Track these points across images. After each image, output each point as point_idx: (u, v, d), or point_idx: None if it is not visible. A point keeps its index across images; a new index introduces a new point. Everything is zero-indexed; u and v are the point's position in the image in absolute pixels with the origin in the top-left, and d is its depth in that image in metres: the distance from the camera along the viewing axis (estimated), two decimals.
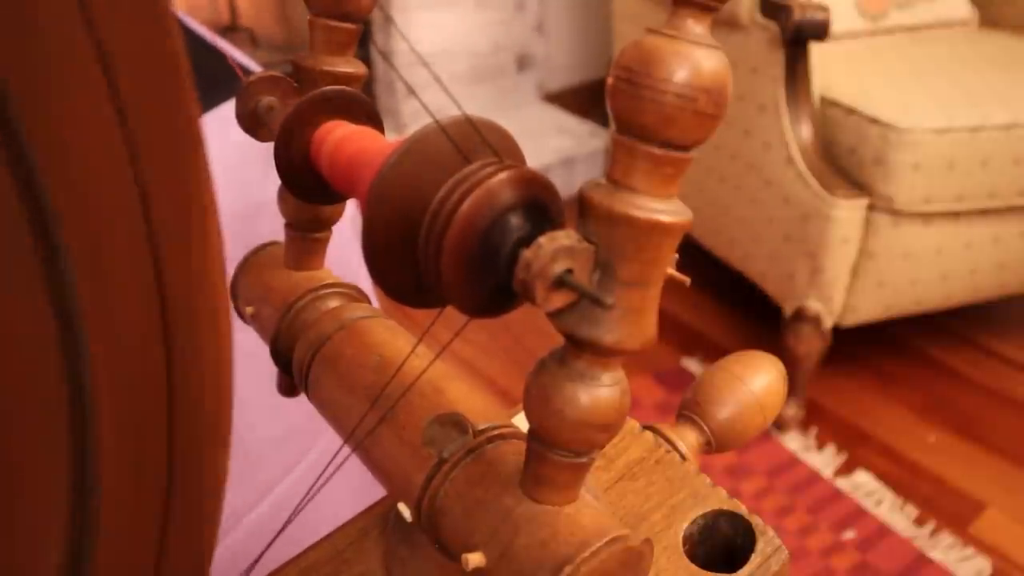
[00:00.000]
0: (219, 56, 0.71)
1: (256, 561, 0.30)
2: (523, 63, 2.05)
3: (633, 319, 0.23)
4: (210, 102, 0.63)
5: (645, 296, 0.23)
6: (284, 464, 0.67)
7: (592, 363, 0.23)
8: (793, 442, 1.30)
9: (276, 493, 0.66)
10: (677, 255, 0.24)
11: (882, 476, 1.25)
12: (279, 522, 0.28)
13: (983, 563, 1.12)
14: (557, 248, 0.21)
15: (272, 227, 0.39)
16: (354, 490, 0.65)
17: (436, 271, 0.23)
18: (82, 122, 0.14)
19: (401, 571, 0.32)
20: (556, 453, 0.24)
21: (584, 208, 0.23)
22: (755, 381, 0.37)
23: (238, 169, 0.60)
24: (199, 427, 0.18)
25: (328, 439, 0.70)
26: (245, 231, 0.40)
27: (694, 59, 0.21)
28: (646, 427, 0.38)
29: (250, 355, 0.36)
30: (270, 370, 0.37)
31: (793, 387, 1.29)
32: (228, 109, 0.34)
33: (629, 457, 0.37)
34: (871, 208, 1.20)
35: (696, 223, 1.38)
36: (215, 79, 0.62)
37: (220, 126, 0.36)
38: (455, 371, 0.32)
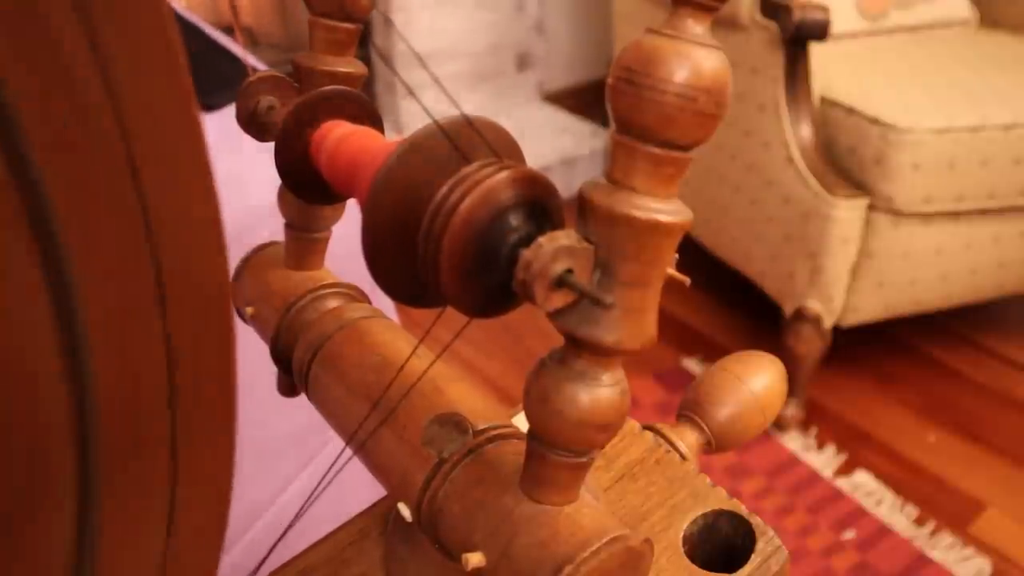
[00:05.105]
0: (228, 56, 0.72)
1: (260, 565, 0.30)
2: (523, 63, 2.05)
3: (633, 319, 0.23)
4: (219, 102, 0.63)
5: (645, 296, 0.23)
6: (302, 458, 0.67)
7: (592, 363, 0.23)
8: (793, 442, 1.30)
9: (295, 487, 0.66)
10: (677, 255, 0.24)
11: (882, 476, 1.25)
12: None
13: (983, 563, 1.12)
14: (557, 248, 0.21)
15: (276, 230, 0.39)
16: (370, 484, 0.65)
17: (436, 271, 0.23)
18: (79, 120, 0.14)
19: (401, 571, 0.32)
20: (556, 453, 0.24)
21: (584, 208, 0.23)
22: (755, 381, 0.37)
23: (246, 171, 0.60)
24: (203, 428, 0.18)
25: None
26: (250, 234, 0.40)
27: (694, 59, 0.21)
28: (646, 427, 0.38)
29: (265, 351, 0.36)
30: None
31: (793, 387, 1.29)
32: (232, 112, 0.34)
33: (629, 457, 0.37)
34: (871, 208, 1.19)
35: (696, 223, 1.38)
36: (225, 79, 0.62)
37: (229, 126, 0.36)
38: (455, 371, 0.32)
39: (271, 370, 0.37)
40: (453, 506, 0.27)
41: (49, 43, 0.13)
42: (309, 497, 0.28)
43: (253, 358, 0.41)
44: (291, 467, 0.66)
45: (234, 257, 0.38)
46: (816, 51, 1.22)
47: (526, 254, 0.21)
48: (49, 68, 0.13)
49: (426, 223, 0.23)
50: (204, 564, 0.21)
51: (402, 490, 0.29)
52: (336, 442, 0.70)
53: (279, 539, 0.29)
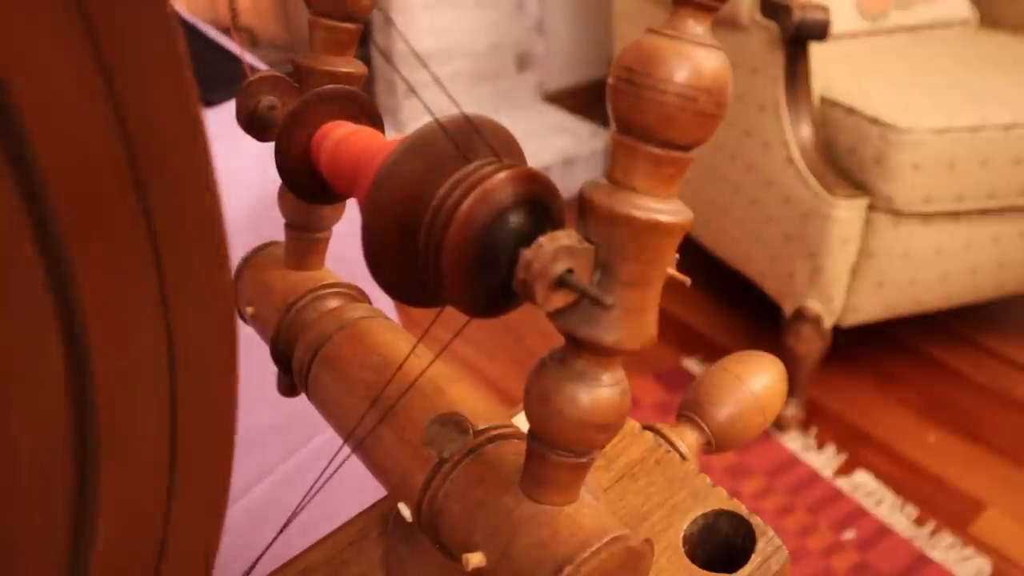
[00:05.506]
0: (227, 55, 0.72)
1: (258, 559, 0.30)
2: (523, 63, 2.05)
3: (633, 319, 0.23)
4: (216, 100, 0.63)
5: (645, 296, 0.23)
6: (284, 448, 0.67)
7: (592, 363, 0.23)
8: (793, 442, 1.30)
9: (276, 474, 0.66)
10: (677, 255, 0.24)
11: (882, 476, 1.25)
12: (277, 503, 0.28)
13: (983, 563, 1.12)
14: (558, 248, 0.21)
15: (275, 228, 0.39)
16: (363, 487, 0.65)
17: (436, 270, 0.23)
18: (81, 120, 0.14)
19: (401, 571, 0.32)
20: (556, 453, 0.24)
21: (584, 208, 0.23)
22: (755, 381, 0.37)
23: (243, 170, 0.60)
24: (203, 428, 0.18)
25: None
26: (249, 232, 0.40)
27: (695, 59, 0.21)
28: (646, 427, 0.38)
29: (249, 344, 0.36)
30: (269, 359, 0.36)
31: (793, 387, 1.29)
32: (232, 108, 0.34)
33: (629, 457, 0.37)
34: (871, 208, 1.19)
35: (696, 223, 1.38)
36: (224, 76, 0.62)
37: (226, 125, 0.36)
38: (455, 371, 0.32)
39: (256, 359, 0.37)
40: (453, 506, 0.27)
41: (51, 44, 0.13)
42: (304, 498, 0.28)
43: (240, 347, 0.40)
44: (271, 457, 0.66)
45: (234, 255, 0.38)
46: (816, 51, 1.22)
47: (526, 254, 0.21)
48: (51, 69, 0.13)
49: (426, 222, 0.23)
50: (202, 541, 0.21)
51: (402, 490, 0.29)
52: (323, 438, 0.70)
53: (273, 540, 0.29)
